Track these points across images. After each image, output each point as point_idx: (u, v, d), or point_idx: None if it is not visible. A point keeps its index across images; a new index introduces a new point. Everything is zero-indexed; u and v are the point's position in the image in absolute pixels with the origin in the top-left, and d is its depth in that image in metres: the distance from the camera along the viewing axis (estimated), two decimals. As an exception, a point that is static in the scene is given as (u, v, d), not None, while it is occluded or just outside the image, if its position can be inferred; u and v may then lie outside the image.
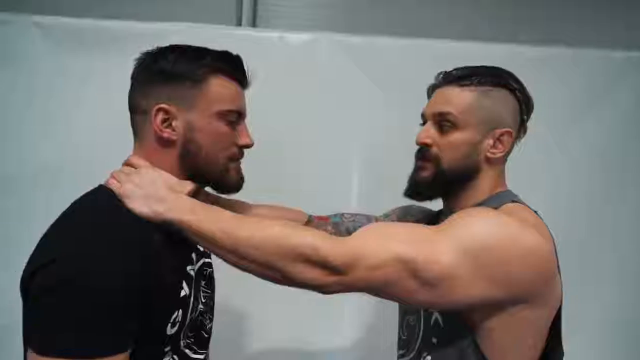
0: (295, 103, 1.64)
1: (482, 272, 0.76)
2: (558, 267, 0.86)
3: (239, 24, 1.96)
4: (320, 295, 0.80)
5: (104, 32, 1.58)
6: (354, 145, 1.65)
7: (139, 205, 0.79)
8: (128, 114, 0.90)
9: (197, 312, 0.88)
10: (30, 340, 0.70)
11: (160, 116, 0.83)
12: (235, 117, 0.89)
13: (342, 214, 1.18)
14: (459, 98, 0.92)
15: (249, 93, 0.95)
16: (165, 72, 0.84)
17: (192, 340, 0.88)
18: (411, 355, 0.98)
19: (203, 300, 0.91)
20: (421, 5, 1.95)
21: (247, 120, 0.94)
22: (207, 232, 0.78)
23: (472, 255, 0.76)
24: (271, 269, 0.78)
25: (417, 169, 0.97)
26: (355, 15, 1.94)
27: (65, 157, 1.55)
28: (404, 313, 1.05)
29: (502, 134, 0.92)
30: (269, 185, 1.42)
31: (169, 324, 0.79)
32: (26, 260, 0.74)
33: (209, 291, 0.96)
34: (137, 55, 0.89)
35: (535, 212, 0.90)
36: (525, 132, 0.98)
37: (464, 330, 0.86)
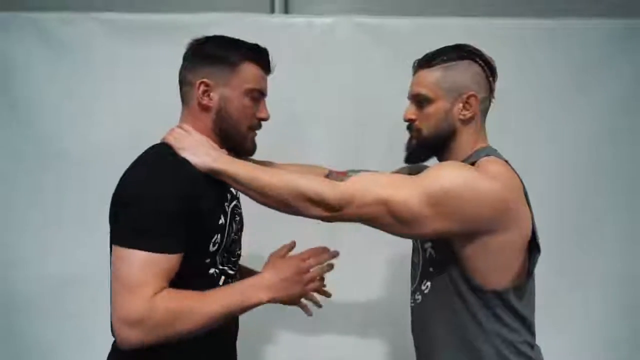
0: (316, 84, 1.81)
1: (442, 212, 1.00)
2: (529, 204, 1.08)
3: (272, 11, 2.08)
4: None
5: (149, 24, 1.79)
6: (373, 124, 1.80)
7: (191, 155, 1.05)
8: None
9: (231, 239, 1.15)
10: (113, 237, 0.99)
11: (202, 88, 1.10)
12: (258, 95, 1.15)
13: (359, 171, 1.35)
14: (427, 78, 1.14)
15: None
16: (209, 55, 1.11)
17: (227, 259, 1.16)
18: (416, 284, 1.22)
19: (234, 231, 1.17)
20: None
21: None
22: (241, 179, 1.06)
23: (435, 198, 1.00)
24: (287, 206, 1.06)
25: (408, 140, 1.21)
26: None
27: (120, 137, 1.75)
28: (412, 253, 1.27)
29: (468, 97, 1.12)
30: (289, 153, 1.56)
31: (211, 243, 1.07)
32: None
33: (239, 225, 1.23)
34: (185, 42, 1.15)
35: (507, 161, 1.11)
36: (492, 92, 1.18)
37: (451, 259, 1.09)
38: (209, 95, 1.10)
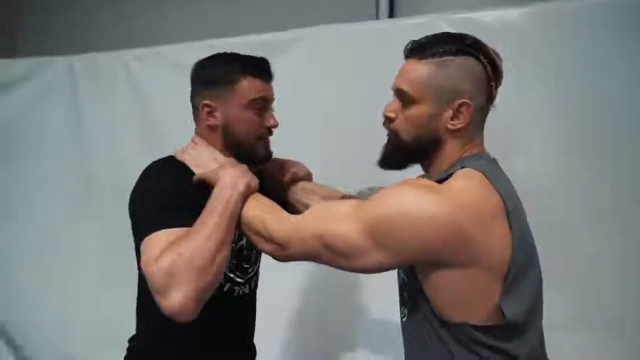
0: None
1: (380, 243, 0.87)
2: (510, 225, 0.87)
3: (377, 17, 2.06)
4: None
5: (254, 46, 1.68)
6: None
7: (191, 164, 1.12)
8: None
9: (241, 245, 1.20)
10: (135, 237, 1.07)
11: (206, 110, 1.15)
12: (261, 104, 1.15)
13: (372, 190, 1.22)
14: (414, 72, 0.95)
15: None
16: (207, 77, 1.16)
17: (236, 266, 1.20)
18: (400, 309, 1.06)
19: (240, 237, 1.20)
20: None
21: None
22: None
23: (372, 229, 0.88)
24: (248, 237, 1.06)
25: (386, 141, 1.03)
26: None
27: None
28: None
29: (460, 105, 0.92)
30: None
31: None
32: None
33: None
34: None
35: (487, 172, 0.91)
36: (492, 99, 0.97)
37: (418, 285, 0.93)
38: (213, 116, 1.15)
